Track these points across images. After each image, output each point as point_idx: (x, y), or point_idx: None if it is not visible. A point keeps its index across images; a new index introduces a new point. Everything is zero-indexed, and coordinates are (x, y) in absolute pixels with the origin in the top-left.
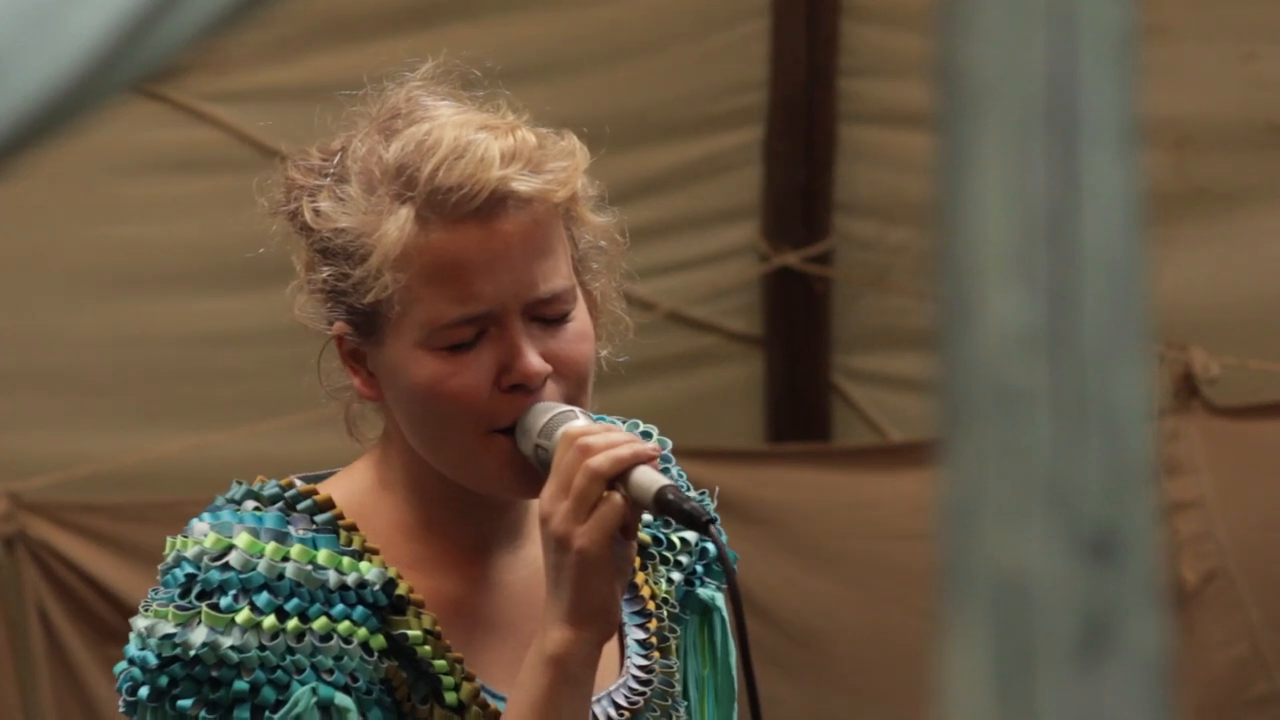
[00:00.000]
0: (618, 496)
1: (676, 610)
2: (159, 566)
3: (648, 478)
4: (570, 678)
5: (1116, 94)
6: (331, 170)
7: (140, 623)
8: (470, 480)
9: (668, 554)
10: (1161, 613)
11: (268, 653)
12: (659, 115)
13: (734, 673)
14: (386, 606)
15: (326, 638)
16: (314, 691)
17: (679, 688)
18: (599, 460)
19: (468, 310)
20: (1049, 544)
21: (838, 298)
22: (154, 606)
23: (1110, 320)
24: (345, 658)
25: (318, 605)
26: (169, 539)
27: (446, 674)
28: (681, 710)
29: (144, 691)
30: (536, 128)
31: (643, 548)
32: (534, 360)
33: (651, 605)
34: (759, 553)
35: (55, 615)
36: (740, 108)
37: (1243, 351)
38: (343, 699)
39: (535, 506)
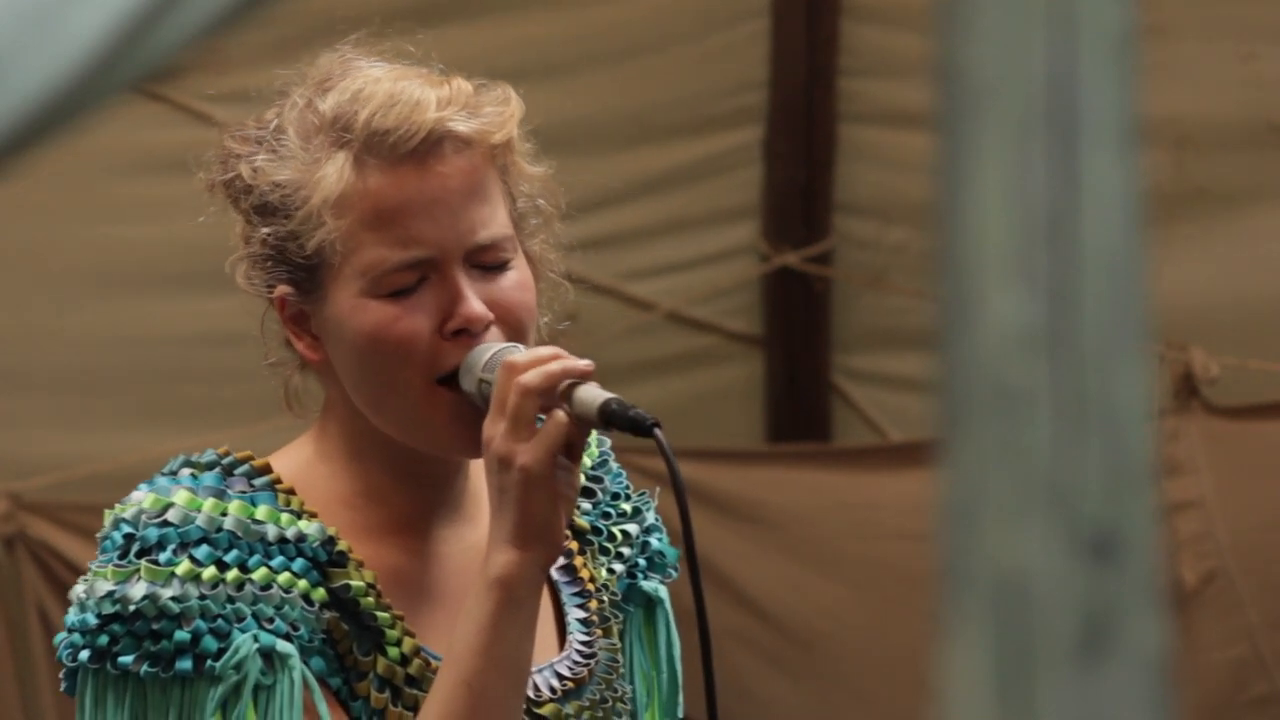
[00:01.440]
0: (561, 414)
1: (618, 599)
2: (97, 536)
3: (591, 394)
4: (515, 600)
5: (1116, 94)
6: (268, 133)
7: (78, 589)
8: (416, 437)
9: (608, 545)
10: (1161, 613)
11: (208, 602)
12: (659, 115)
13: (678, 666)
14: (326, 562)
15: (266, 587)
16: (255, 639)
17: (625, 670)
18: (529, 376)
19: (409, 254)
20: (1049, 544)
21: (838, 298)
22: (93, 570)
23: (1110, 320)
24: (286, 607)
25: (257, 556)
26: (106, 511)
27: (389, 627)
28: (627, 690)
29: (84, 655)
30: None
31: (580, 534)
32: (476, 305)
33: (591, 587)
34: (759, 553)
35: (55, 615)
36: (740, 108)
37: (1243, 351)
38: (284, 645)
39: (476, 486)
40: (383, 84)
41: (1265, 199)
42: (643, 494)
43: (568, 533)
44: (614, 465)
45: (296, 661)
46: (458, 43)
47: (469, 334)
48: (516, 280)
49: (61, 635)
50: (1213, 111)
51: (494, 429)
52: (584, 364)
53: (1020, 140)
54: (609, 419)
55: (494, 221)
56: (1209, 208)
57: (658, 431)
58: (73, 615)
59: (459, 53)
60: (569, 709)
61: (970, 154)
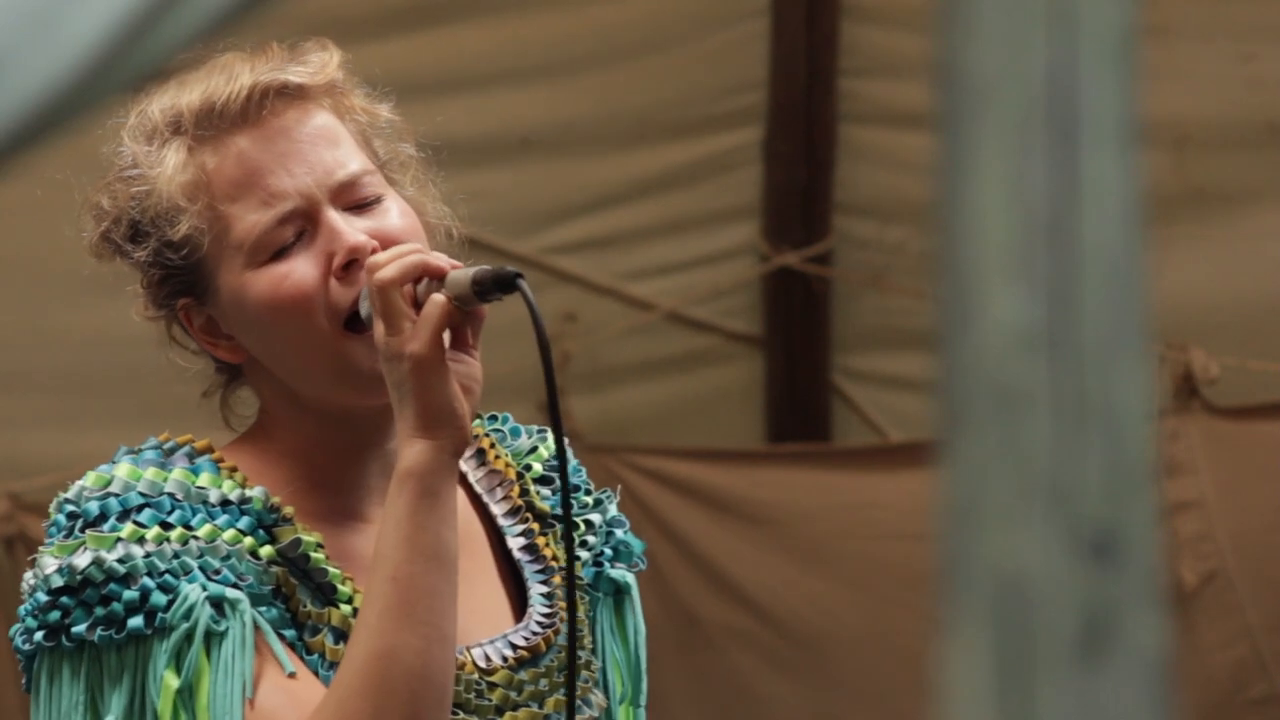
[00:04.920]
0: (439, 297)
1: (584, 583)
2: (44, 526)
3: (461, 274)
4: (429, 490)
5: (1116, 94)
6: (116, 166)
7: (27, 579)
8: (345, 388)
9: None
10: (1161, 613)
11: (153, 559)
12: (659, 115)
13: (642, 653)
14: (271, 524)
15: (212, 541)
16: (203, 588)
17: (590, 645)
18: (385, 271)
19: (275, 211)
20: (1049, 544)
21: (838, 298)
22: (39, 554)
23: (1110, 320)
24: (233, 559)
25: (201, 516)
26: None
27: (340, 584)
28: (593, 661)
29: (39, 635)
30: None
31: (542, 517)
32: (356, 235)
33: (554, 564)
34: (759, 553)
35: None
36: (740, 108)
37: (1243, 351)
38: (233, 593)
39: None
40: (198, 73)
41: (1265, 199)
42: (604, 490)
43: (529, 515)
44: (572, 460)
45: (246, 606)
46: (458, 43)
47: (358, 265)
48: (398, 210)
49: (15, 627)
50: (1213, 111)
51: (377, 331)
52: (447, 261)
53: (1020, 140)
54: (482, 286)
55: (351, 160)
56: (1209, 208)
57: (520, 281)
58: (25, 606)
59: (459, 53)
60: (523, 675)
61: (970, 154)
